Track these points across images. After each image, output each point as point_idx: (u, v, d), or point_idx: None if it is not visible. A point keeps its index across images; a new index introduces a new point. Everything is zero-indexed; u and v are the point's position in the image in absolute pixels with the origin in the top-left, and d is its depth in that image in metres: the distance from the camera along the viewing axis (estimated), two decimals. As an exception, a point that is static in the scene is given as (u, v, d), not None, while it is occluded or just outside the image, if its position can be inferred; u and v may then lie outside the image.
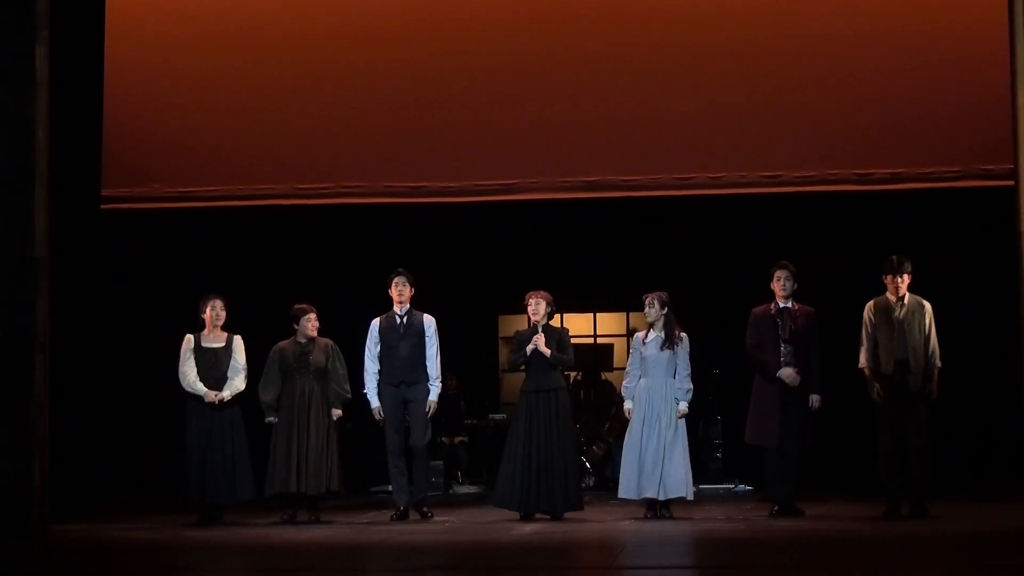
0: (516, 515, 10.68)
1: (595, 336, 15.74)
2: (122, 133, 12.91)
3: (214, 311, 10.94)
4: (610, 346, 15.56)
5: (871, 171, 13.16)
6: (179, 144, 13.45)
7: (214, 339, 10.95)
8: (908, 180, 13.14)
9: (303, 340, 10.95)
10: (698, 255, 14.23)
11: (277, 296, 13.79)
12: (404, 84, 13.22)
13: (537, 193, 13.41)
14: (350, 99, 13.26)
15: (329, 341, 11.02)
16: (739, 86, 12.98)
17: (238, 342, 10.97)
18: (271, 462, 10.79)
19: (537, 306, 10.81)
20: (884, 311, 10.50)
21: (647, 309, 10.79)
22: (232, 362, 10.88)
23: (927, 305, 10.52)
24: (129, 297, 13.68)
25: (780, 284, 10.75)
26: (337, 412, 10.89)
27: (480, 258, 14.60)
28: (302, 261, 14.19)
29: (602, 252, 14.53)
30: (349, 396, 11.00)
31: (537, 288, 11.01)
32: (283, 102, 13.29)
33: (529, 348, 10.74)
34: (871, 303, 10.61)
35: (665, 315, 10.76)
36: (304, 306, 11.04)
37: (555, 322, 11.17)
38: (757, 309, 10.86)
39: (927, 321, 10.46)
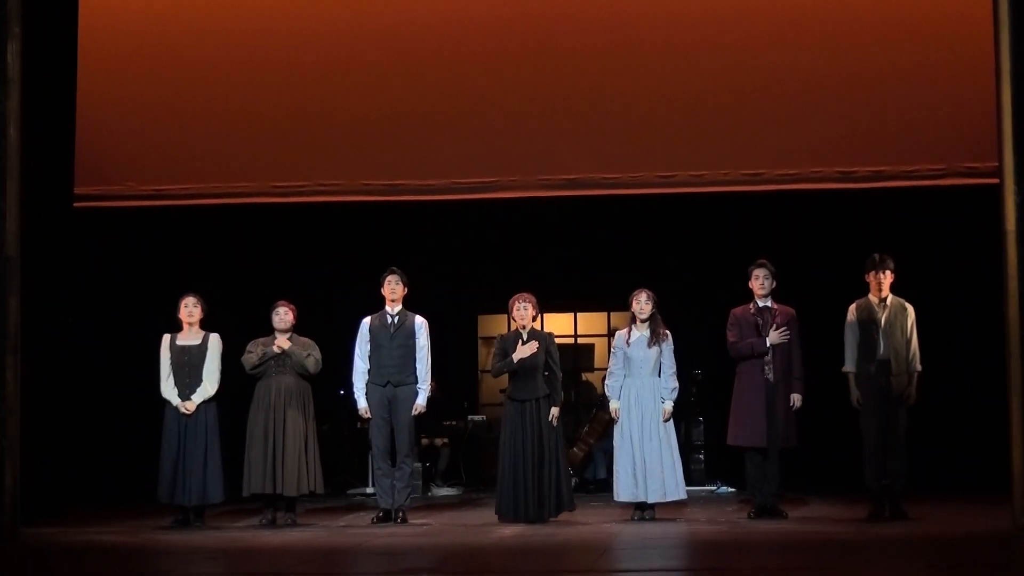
0: (497, 519, 10.70)
1: (576, 336, 15.75)
2: (95, 130, 12.87)
3: (187, 309, 10.92)
4: (591, 346, 15.59)
5: (854, 169, 13.20)
6: (153, 141, 13.43)
7: (190, 337, 10.93)
8: (891, 178, 13.18)
9: (280, 336, 10.91)
10: (679, 254, 14.26)
11: (253, 296, 13.79)
12: (381, 81, 13.21)
13: (517, 191, 13.42)
14: (326, 96, 13.24)
15: (309, 340, 10.99)
16: (721, 83, 12.99)
17: (214, 341, 10.92)
18: (247, 462, 10.77)
19: (524, 311, 10.77)
20: (867, 312, 10.54)
21: (641, 305, 10.75)
22: (206, 362, 10.86)
23: (910, 308, 10.56)
24: (102, 297, 13.66)
25: (759, 283, 10.78)
26: (283, 345, 10.83)
27: (459, 257, 14.61)
28: (278, 260, 14.18)
29: (583, 251, 14.55)
30: (309, 372, 10.89)
31: (520, 290, 10.97)
32: (258, 99, 13.26)
33: (517, 356, 10.72)
34: (854, 305, 10.64)
35: (652, 314, 10.78)
36: (279, 301, 11.04)
37: (536, 324, 11.13)
38: (736, 309, 10.88)
39: (909, 324, 10.51)
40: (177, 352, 10.84)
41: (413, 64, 13.19)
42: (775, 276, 10.81)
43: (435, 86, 13.20)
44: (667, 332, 10.79)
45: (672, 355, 10.77)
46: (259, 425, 10.77)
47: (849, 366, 10.56)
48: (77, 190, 12.29)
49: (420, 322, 10.91)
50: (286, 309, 10.96)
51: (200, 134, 13.35)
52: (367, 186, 13.53)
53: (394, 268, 10.97)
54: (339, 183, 13.52)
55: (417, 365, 10.85)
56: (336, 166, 13.49)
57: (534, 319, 10.89)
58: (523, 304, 10.78)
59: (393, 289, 10.89)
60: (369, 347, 10.87)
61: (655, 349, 10.71)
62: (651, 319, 10.77)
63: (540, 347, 10.70)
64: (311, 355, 10.86)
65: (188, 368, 10.80)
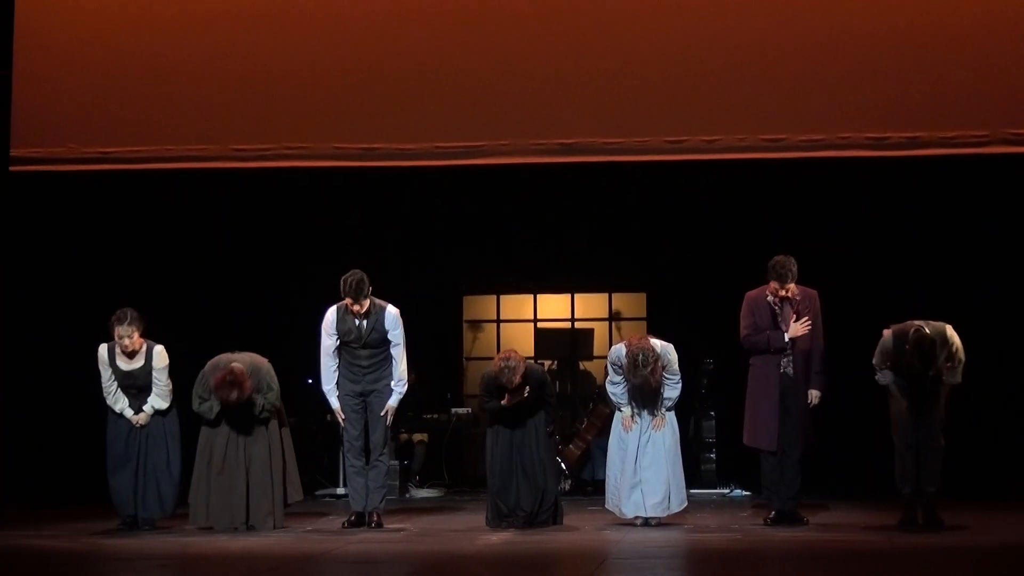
0: (482, 523, 10.70)
1: (573, 320, 15.72)
2: (33, 87, 12.81)
3: (121, 341, 10.55)
4: (590, 331, 15.53)
5: (887, 135, 13.17)
6: (99, 99, 13.37)
7: (130, 360, 10.66)
8: (928, 145, 13.15)
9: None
10: (690, 228, 14.21)
11: (211, 271, 13.75)
12: (356, 33, 13.16)
13: (507, 157, 13.37)
14: (293, 49, 13.19)
15: (262, 368, 10.63)
16: (738, 37, 12.95)
17: (158, 357, 10.64)
18: (196, 485, 10.61)
19: (512, 375, 10.46)
20: (905, 351, 10.23)
21: (637, 368, 10.38)
22: (154, 382, 10.66)
23: (951, 335, 10.13)
24: (40, 273, 13.59)
25: (775, 292, 10.54)
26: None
27: (442, 231, 14.55)
28: (239, 232, 14.11)
29: (581, 224, 14.50)
30: (270, 410, 10.74)
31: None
32: (218, 52, 13.21)
33: (507, 402, 10.61)
34: (891, 334, 10.20)
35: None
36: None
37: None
38: (752, 293, 10.73)
39: (951, 350, 10.18)
40: (121, 375, 10.65)
41: (391, 15, 13.13)
42: (794, 272, 10.54)
43: (416, 39, 13.15)
44: (666, 348, 10.61)
45: (676, 366, 10.66)
46: (216, 450, 10.62)
47: (885, 379, 10.37)
48: (13, 152, 12.23)
49: (393, 315, 10.71)
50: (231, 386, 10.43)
51: (152, 90, 13.28)
52: (339, 150, 13.47)
53: (351, 281, 10.48)
54: (307, 146, 13.46)
55: (392, 364, 10.73)
56: (304, 127, 13.43)
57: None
58: (509, 369, 10.43)
59: (358, 310, 10.54)
60: (337, 342, 10.71)
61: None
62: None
63: (532, 389, 10.57)
64: (262, 408, 10.59)
65: (135, 389, 10.67)
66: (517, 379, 10.52)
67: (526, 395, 10.58)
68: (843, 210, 13.62)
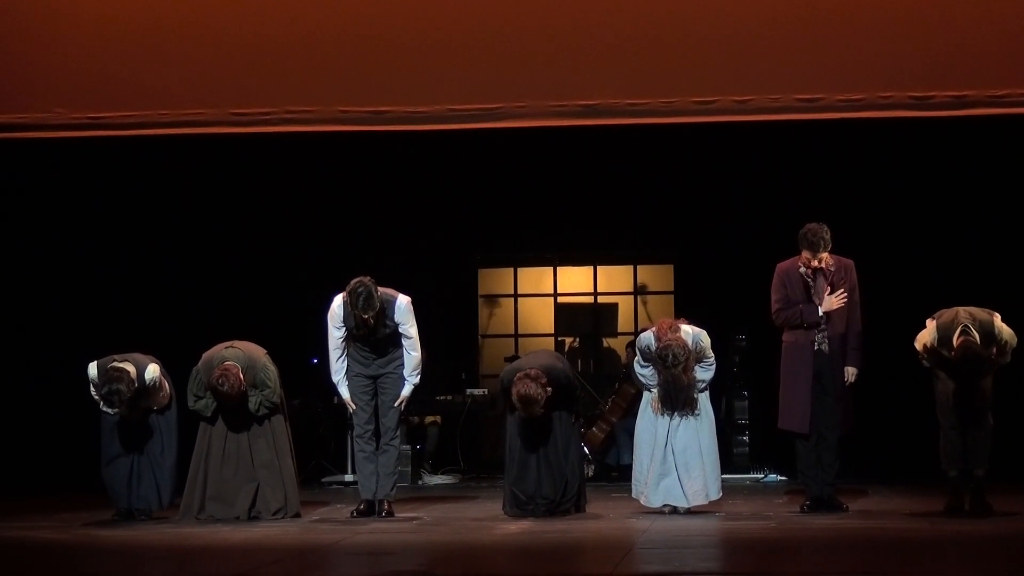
0: (500, 511, 10.76)
1: (595, 294, 15.77)
2: (15, 47, 12.85)
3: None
4: (614, 306, 15.59)
5: (931, 94, 13.15)
6: (87, 59, 13.39)
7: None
8: (977, 105, 13.13)
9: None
10: (720, 196, 14.25)
11: (208, 246, 13.81)
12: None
13: (525, 119, 13.37)
14: (296, 4, 13.20)
15: (261, 364, 10.72)
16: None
17: (153, 382, 10.69)
18: (188, 481, 10.79)
19: (539, 410, 10.46)
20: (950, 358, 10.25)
21: (667, 368, 10.39)
22: (155, 399, 10.80)
23: (998, 323, 10.11)
24: (27, 248, 13.65)
25: (808, 261, 10.56)
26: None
27: (455, 199, 14.59)
28: (239, 202, 14.17)
29: (604, 192, 14.54)
30: (268, 407, 10.86)
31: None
32: (214, 9, 13.21)
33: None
34: (935, 326, 10.15)
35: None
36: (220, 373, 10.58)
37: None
38: (783, 264, 10.73)
39: (998, 346, 10.19)
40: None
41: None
42: (829, 242, 10.55)
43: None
44: (698, 335, 10.62)
45: (710, 350, 10.67)
46: (214, 446, 10.75)
47: (931, 362, 10.39)
48: (-5, 118, 12.27)
49: (403, 306, 10.72)
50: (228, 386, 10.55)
51: (145, 51, 13.28)
52: (345, 113, 13.48)
53: (359, 297, 10.40)
54: (312, 110, 13.47)
55: (404, 356, 10.79)
56: (308, 90, 13.43)
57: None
58: (530, 403, 10.38)
59: (368, 320, 10.56)
60: (345, 333, 10.75)
61: None
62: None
63: (557, 392, 10.58)
64: (259, 404, 10.72)
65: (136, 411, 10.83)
66: (543, 411, 10.51)
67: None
68: (884, 175, 13.65)
